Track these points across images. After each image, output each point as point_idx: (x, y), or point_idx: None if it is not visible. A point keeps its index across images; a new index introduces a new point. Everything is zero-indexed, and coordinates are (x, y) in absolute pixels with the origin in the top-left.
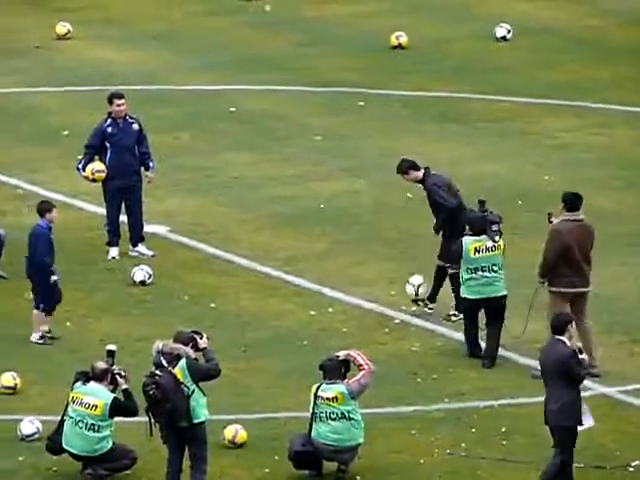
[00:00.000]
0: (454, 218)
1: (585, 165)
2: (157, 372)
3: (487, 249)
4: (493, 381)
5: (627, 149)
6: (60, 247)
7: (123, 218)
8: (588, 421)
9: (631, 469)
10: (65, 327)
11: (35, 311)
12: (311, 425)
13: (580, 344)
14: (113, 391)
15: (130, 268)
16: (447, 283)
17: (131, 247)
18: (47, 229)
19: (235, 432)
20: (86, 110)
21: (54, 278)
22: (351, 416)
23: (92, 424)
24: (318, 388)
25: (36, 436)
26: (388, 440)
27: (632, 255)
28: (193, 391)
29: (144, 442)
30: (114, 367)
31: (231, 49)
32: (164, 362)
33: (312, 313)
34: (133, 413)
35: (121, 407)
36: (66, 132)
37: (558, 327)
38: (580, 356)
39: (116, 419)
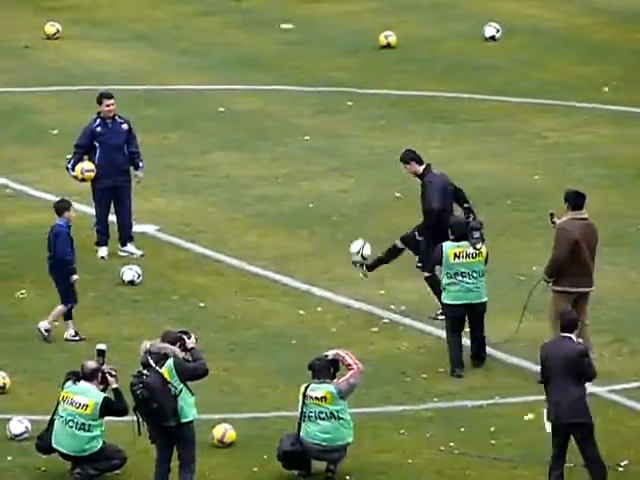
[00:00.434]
0: (439, 222)
1: (573, 164)
2: (144, 372)
3: (467, 255)
4: (482, 381)
5: (614, 148)
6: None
7: (112, 218)
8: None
9: (620, 469)
10: (54, 327)
11: (60, 306)
12: (300, 425)
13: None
14: (103, 390)
15: (119, 268)
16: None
17: (120, 247)
18: (66, 227)
19: (224, 431)
20: (75, 110)
21: (74, 277)
22: (340, 416)
23: (82, 423)
24: (307, 387)
25: (25, 435)
26: (377, 439)
27: (619, 254)
28: (181, 390)
29: (133, 442)
30: (104, 366)
31: (220, 49)
32: (151, 362)
33: (301, 312)
34: (123, 412)
35: (112, 407)
36: (55, 132)
37: (568, 325)
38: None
39: (105, 419)
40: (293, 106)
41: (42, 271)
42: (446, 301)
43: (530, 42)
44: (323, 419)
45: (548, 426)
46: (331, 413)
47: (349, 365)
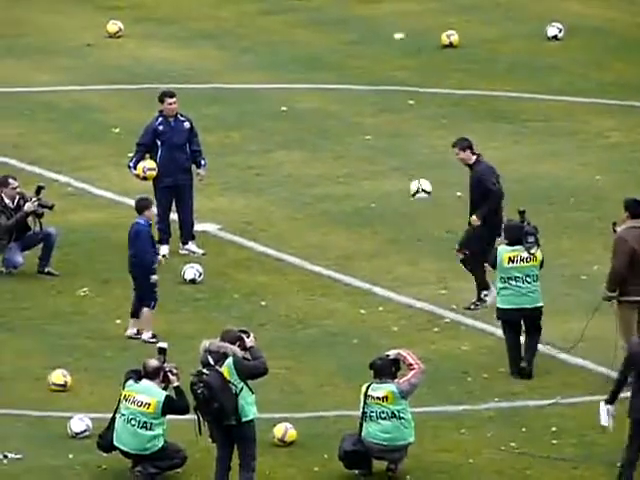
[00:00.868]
0: (497, 207)
1: (635, 164)
2: (204, 371)
3: (522, 259)
4: (543, 381)
5: None
6: (110, 245)
7: (174, 216)
8: (605, 421)
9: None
10: (115, 325)
11: (145, 309)
12: (361, 424)
13: None
14: (165, 389)
15: (181, 266)
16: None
17: (181, 245)
18: (147, 226)
19: (285, 430)
20: (137, 108)
21: (154, 278)
22: (401, 415)
23: (145, 422)
24: (368, 387)
25: (86, 433)
26: (438, 439)
27: None
28: (241, 389)
29: (194, 441)
30: (166, 365)
31: (283, 48)
32: (211, 361)
33: (362, 312)
34: (184, 411)
35: (173, 405)
36: (117, 130)
37: None
38: None
39: (167, 417)
40: (355, 105)
41: (103, 269)
42: (500, 305)
43: (592, 42)
44: (384, 419)
45: (607, 421)
46: (392, 413)
47: (410, 365)
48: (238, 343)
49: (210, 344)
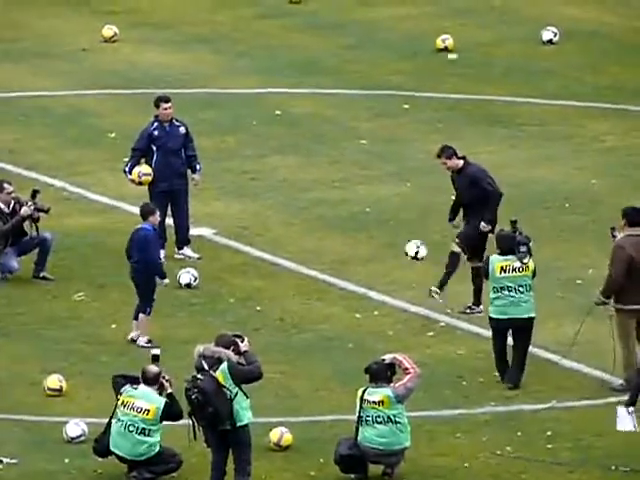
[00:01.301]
0: (497, 206)
1: (631, 168)
2: (199, 376)
3: (514, 269)
4: (538, 385)
5: None
6: (106, 250)
7: (169, 221)
8: (625, 425)
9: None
10: (110, 330)
11: (141, 315)
12: (357, 429)
13: None
14: (159, 395)
15: (176, 271)
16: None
17: (177, 250)
18: (154, 231)
19: (280, 435)
20: (132, 113)
21: (166, 281)
22: (397, 420)
23: (143, 428)
24: (364, 391)
25: (82, 438)
26: (433, 443)
27: None
28: (236, 394)
29: (189, 445)
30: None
31: (278, 52)
32: (205, 366)
33: (358, 316)
34: (179, 417)
35: (172, 411)
36: (112, 135)
37: None
38: None
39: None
40: (350, 110)
41: (98, 274)
42: (492, 315)
43: (587, 46)
44: (380, 423)
45: (632, 423)
46: (388, 417)
47: (406, 369)
48: (232, 348)
49: (204, 349)
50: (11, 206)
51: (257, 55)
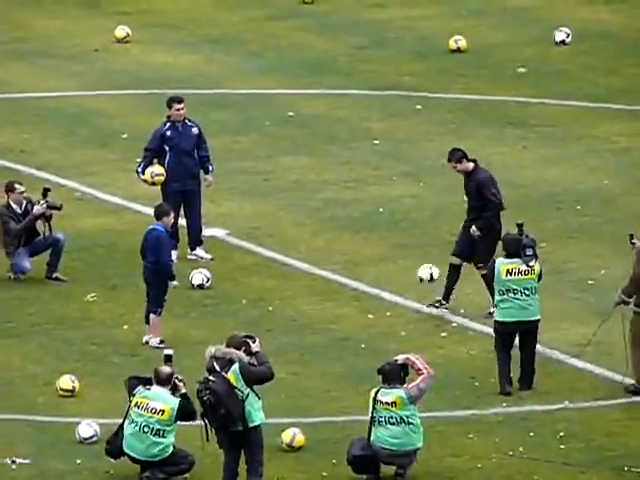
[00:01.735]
0: (497, 216)
1: None
2: (210, 377)
3: (520, 272)
4: (551, 385)
5: None
6: (118, 251)
7: (182, 222)
8: None
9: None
10: (123, 330)
11: (152, 316)
12: (370, 429)
13: None
14: (172, 395)
15: (188, 271)
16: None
17: (189, 250)
18: (166, 232)
19: (293, 435)
20: (144, 113)
21: (175, 283)
22: (410, 420)
23: (158, 429)
24: (377, 392)
25: (94, 439)
26: (446, 444)
27: None
28: (247, 395)
29: (202, 446)
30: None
31: (290, 53)
32: (217, 367)
33: (370, 317)
34: (193, 417)
35: (186, 411)
36: (124, 135)
37: None
38: None
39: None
40: (362, 110)
41: (111, 275)
42: (497, 318)
43: (600, 47)
44: (393, 424)
45: None
46: (401, 418)
47: (419, 370)
48: (243, 348)
49: (216, 350)
50: (23, 206)
51: (269, 56)
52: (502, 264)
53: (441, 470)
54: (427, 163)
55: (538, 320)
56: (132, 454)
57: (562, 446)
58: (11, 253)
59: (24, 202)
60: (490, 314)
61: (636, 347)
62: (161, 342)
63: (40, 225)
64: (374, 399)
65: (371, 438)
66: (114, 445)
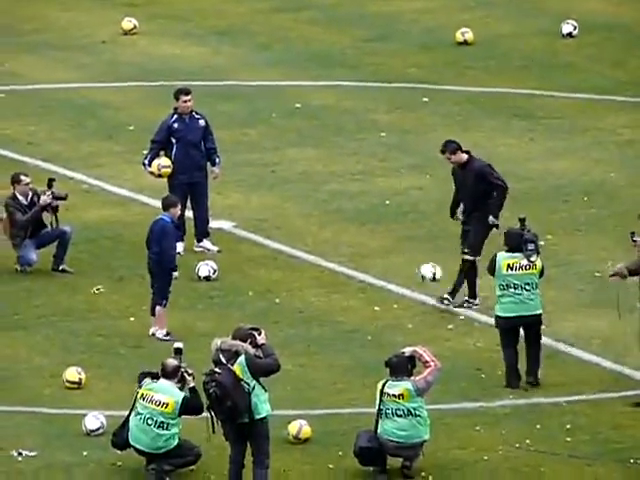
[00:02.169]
0: (504, 199)
1: None
2: (216, 370)
3: (521, 267)
4: (558, 377)
5: None
6: (125, 242)
7: (188, 214)
8: None
9: None
10: (129, 322)
11: (158, 307)
12: (377, 421)
13: None
14: (180, 389)
15: (195, 263)
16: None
17: (196, 242)
18: (171, 223)
19: (299, 427)
20: (151, 105)
21: (175, 274)
22: (417, 413)
23: (162, 422)
24: (384, 384)
25: (100, 431)
26: (452, 436)
27: None
28: (254, 387)
29: (207, 439)
30: (182, 365)
31: (296, 45)
32: (223, 359)
33: (377, 309)
34: (200, 411)
35: (191, 405)
36: (131, 127)
37: None
38: None
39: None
40: (369, 102)
41: (117, 267)
42: (498, 313)
43: (607, 39)
44: (400, 416)
45: None
46: (408, 410)
47: (426, 362)
48: (249, 340)
49: (222, 342)
50: (29, 197)
51: (276, 48)
52: (503, 258)
53: (447, 462)
54: (434, 155)
55: (540, 315)
56: (138, 446)
57: (569, 438)
58: (18, 245)
59: (30, 193)
60: (463, 304)
61: None
62: (167, 334)
63: (47, 217)
64: (381, 391)
65: (378, 430)
66: (120, 437)
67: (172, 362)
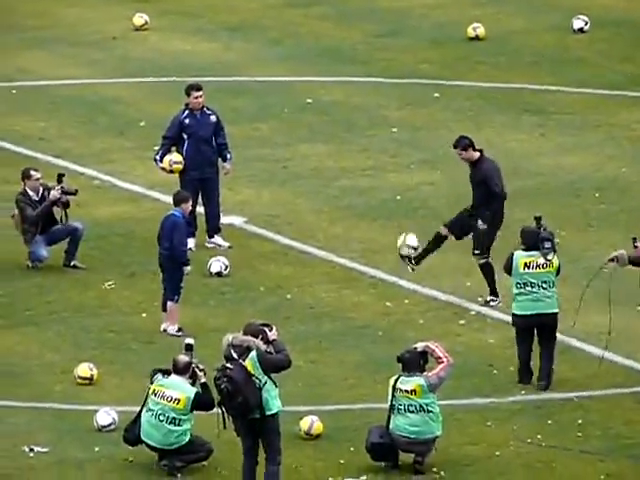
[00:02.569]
0: (500, 207)
1: None
2: (228, 365)
3: (538, 266)
4: (569, 373)
5: None
6: (136, 238)
7: (200, 209)
8: None
9: None
10: (141, 318)
11: (169, 303)
12: (389, 417)
13: None
14: (192, 385)
15: (206, 259)
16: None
17: (207, 238)
18: (182, 218)
19: (311, 423)
20: (163, 101)
21: (188, 269)
22: (429, 409)
23: (173, 418)
24: (397, 380)
25: (112, 427)
26: (464, 431)
27: None
28: (265, 383)
29: (219, 434)
30: (194, 360)
31: (307, 41)
32: (234, 355)
33: (388, 304)
34: (211, 407)
35: (202, 401)
36: (142, 123)
37: None
38: None
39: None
40: (380, 98)
41: (128, 263)
42: (515, 311)
43: (618, 34)
44: (412, 412)
45: None
46: (420, 406)
47: (439, 358)
48: (261, 336)
49: (233, 338)
50: (40, 193)
51: (287, 43)
52: (520, 257)
53: (459, 458)
54: (445, 151)
55: (556, 313)
56: (149, 442)
57: (580, 434)
58: (29, 240)
59: (40, 189)
60: (487, 302)
61: None
62: (179, 330)
63: (57, 212)
64: (393, 387)
65: (390, 426)
66: (132, 433)
67: (183, 358)
